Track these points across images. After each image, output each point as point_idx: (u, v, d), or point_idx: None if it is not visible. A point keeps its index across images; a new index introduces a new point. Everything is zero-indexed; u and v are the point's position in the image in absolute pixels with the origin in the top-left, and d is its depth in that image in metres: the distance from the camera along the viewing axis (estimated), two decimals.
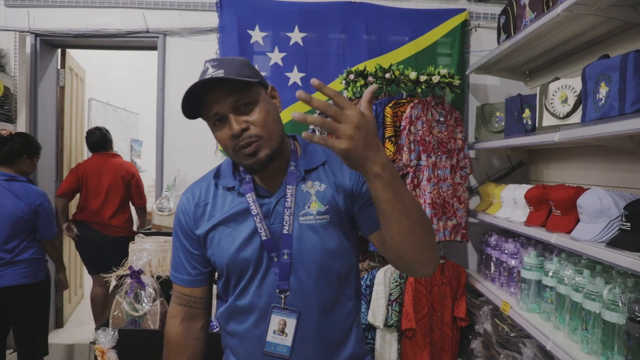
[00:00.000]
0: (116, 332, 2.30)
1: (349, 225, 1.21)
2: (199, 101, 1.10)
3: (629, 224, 1.53)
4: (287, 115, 3.22)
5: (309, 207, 1.16)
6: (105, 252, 3.47)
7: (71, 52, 3.92)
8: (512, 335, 2.35)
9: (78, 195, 3.69)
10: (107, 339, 2.27)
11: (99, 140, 3.74)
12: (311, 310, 1.16)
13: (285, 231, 1.14)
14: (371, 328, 2.77)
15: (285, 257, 1.14)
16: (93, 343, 2.32)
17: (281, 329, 1.15)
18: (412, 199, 0.96)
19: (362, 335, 1.31)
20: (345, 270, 1.20)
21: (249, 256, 1.15)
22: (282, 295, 1.15)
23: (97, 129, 3.80)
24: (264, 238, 1.14)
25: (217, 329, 2.49)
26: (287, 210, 1.15)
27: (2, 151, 2.79)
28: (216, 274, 1.28)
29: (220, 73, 1.06)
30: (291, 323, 1.15)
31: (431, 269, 1.06)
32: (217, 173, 1.25)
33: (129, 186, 3.73)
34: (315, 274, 1.15)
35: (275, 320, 1.15)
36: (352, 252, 1.23)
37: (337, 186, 1.19)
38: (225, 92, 1.07)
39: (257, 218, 1.15)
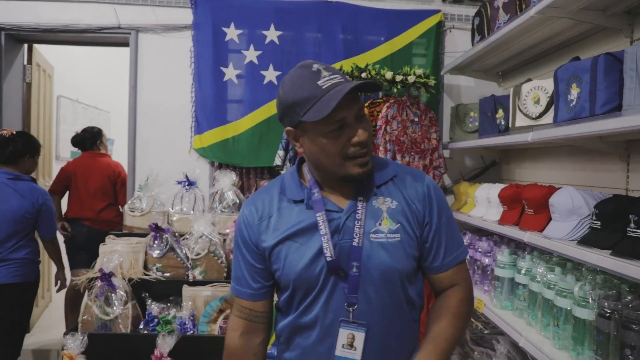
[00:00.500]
0: (85, 337, 2.23)
1: (417, 248, 1.18)
2: (324, 103, 1.04)
3: (599, 223, 1.57)
4: (262, 113, 3.20)
5: (380, 224, 1.14)
6: (98, 246, 3.46)
7: (39, 48, 3.79)
8: (485, 332, 2.39)
9: (68, 195, 3.77)
10: (75, 344, 2.20)
11: (79, 140, 3.84)
12: (378, 326, 1.14)
13: (355, 244, 1.12)
14: None
15: (355, 270, 1.12)
16: (63, 349, 2.25)
17: (350, 343, 1.13)
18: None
19: None
20: (413, 294, 1.19)
21: (317, 272, 1.13)
22: (351, 309, 1.12)
23: (85, 129, 3.90)
24: (328, 259, 1.11)
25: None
26: (358, 223, 1.13)
27: (6, 151, 2.82)
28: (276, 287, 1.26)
29: (346, 80, 1.08)
30: (360, 337, 1.12)
31: None
32: (282, 185, 1.22)
33: (115, 185, 3.73)
34: (383, 291, 1.13)
35: (343, 335, 1.13)
36: (419, 275, 1.22)
37: (407, 204, 1.18)
38: (352, 99, 1.07)
39: (324, 238, 1.12)
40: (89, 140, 3.85)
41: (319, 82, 1.06)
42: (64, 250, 3.50)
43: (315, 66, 1.09)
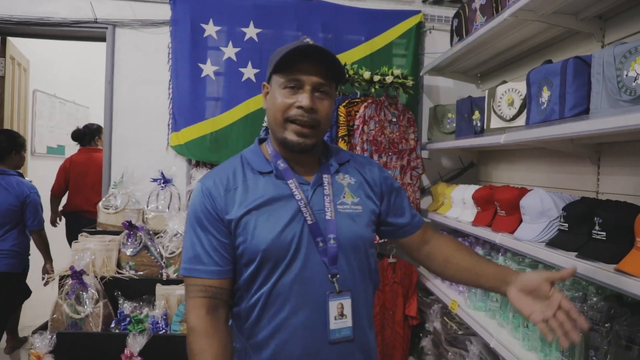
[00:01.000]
0: (54, 336, 2.19)
1: (374, 221, 1.29)
2: (287, 59, 1.14)
3: (567, 225, 1.58)
4: (240, 111, 3.17)
5: (344, 197, 1.23)
6: None
7: (14, 41, 3.71)
8: (459, 333, 2.40)
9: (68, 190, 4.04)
10: (43, 343, 2.16)
11: (78, 135, 4.10)
12: (357, 290, 1.20)
13: (328, 217, 1.18)
14: None
15: (332, 242, 1.16)
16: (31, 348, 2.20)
17: (340, 313, 1.16)
18: None
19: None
20: (373, 263, 1.28)
21: (289, 241, 1.14)
22: (334, 280, 1.16)
23: (85, 125, 4.19)
24: (309, 222, 1.15)
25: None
26: (327, 198, 1.20)
27: None
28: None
29: (322, 48, 1.14)
30: (347, 304, 1.17)
31: None
32: (243, 160, 1.25)
33: None
34: (353, 259, 1.20)
35: (334, 306, 1.15)
36: (374, 249, 1.31)
37: (365, 182, 1.30)
38: (318, 69, 1.15)
39: (301, 202, 1.17)
40: (88, 136, 4.09)
41: (298, 45, 1.14)
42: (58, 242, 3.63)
43: (307, 39, 1.19)
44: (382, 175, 1.34)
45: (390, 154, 2.80)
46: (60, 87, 5.13)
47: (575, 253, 1.46)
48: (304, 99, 1.13)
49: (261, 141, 1.31)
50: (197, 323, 1.15)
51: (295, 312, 1.14)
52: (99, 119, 3.99)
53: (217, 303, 1.18)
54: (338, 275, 1.16)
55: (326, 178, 1.23)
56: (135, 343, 2.18)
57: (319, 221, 1.17)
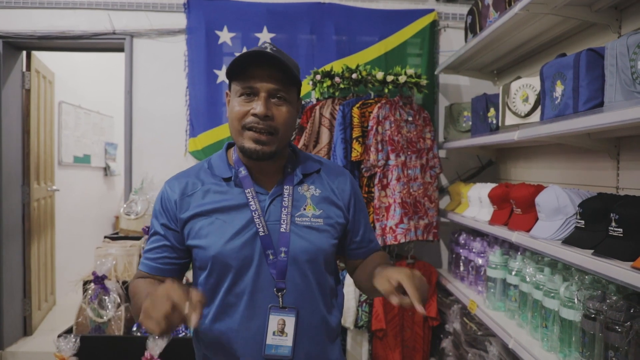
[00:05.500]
0: (78, 339, 2.25)
1: (339, 235, 1.24)
2: (241, 65, 1.12)
3: (583, 222, 1.54)
4: None
5: (304, 209, 1.19)
6: None
7: (39, 55, 3.83)
8: (479, 333, 2.36)
9: None
10: (68, 346, 2.22)
11: None
12: (306, 310, 1.16)
13: (282, 229, 1.15)
14: (342, 329, 2.76)
15: (283, 255, 1.14)
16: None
17: (280, 329, 1.13)
18: None
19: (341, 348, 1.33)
20: (333, 278, 1.23)
21: (238, 249, 1.13)
22: (280, 294, 1.13)
23: None
24: (262, 234, 1.13)
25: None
26: (285, 210, 1.17)
27: None
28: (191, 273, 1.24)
29: (271, 53, 1.10)
30: (290, 322, 1.13)
31: None
32: (208, 164, 1.24)
33: None
34: (309, 274, 1.16)
35: (274, 321, 1.13)
36: (336, 263, 1.26)
37: (332, 194, 1.24)
38: (272, 75, 1.12)
39: (255, 213, 1.15)
40: None
41: (253, 48, 1.13)
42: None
43: (266, 44, 1.15)
44: (353, 189, 1.29)
45: (409, 153, 2.77)
46: (84, 98, 5.27)
47: (592, 251, 1.42)
48: (258, 106, 1.11)
49: (230, 146, 1.29)
50: (134, 281, 1.20)
51: (244, 321, 1.14)
52: (123, 128, 4.09)
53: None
54: (284, 290, 1.14)
55: (287, 189, 1.19)
56: (156, 346, 2.23)
57: (272, 233, 1.15)
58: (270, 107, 1.12)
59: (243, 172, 1.19)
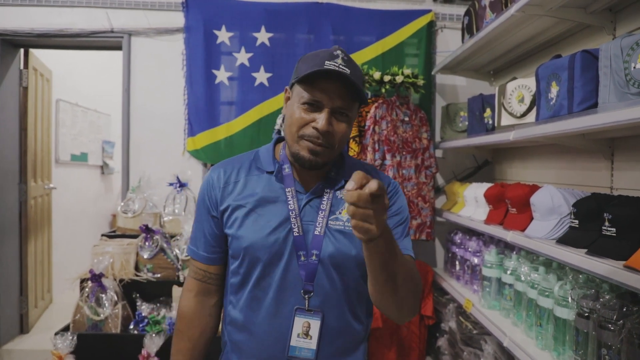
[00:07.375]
0: (75, 337, 2.25)
1: None
2: (314, 74, 1.09)
3: (577, 221, 1.56)
4: (254, 115, 3.21)
5: (340, 213, 1.19)
6: None
7: (37, 52, 3.83)
8: (474, 332, 2.38)
9: None
10: (65, 344, 2.23)
11: None
12: (331, 314, 1.15)
13: (317, 232, 1.15)
14: None
15: (314, 257, 1.14)
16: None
17: (305, 332, 1.14)
18: (400, 267, 1.01)
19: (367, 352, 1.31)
20: (362, 284, 1.20)
21: (270, 245, 1.14)
22: (307, 297, 1.14)
23: None
24: (296, 234, 1.14)
25: None
26: (322, 213, 1.17)
27: None
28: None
29: (347, 72, 1.08)
30: (315, 325, 1.14)
31: (404, 320, 1.13)
32: (255, 156, 1.26)
33: None
34: (337, 278, 1.16)
35: (299, 323, 1.13)
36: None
37: None
38: (341, 92, 1.10)
39: (292, 213, 1.16)
40: None
41: (327, 61, 1.09)
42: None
43: (338, 52, 1.12)
44: (397, 202, 1.24)
45: (404, 153, 2.79)
46: (82, 96, 5.26)
47: (585, 250, 1.43)
48: (321, 120, 1.09)
49: (280, 140, 1.30)
50: (183, 304, 1.27)
51: (269, 317, 1.15)
52: (120, 126, 4.09)
53: (208, 287, 1.26)
54: (312, 293, 1.14)
55: (327, 193, 1.19)
56: (152, 344, 2.24)
57: (306, 234, 1.15)
58: (332, 122, 1.11)
59: (287, 169, 1.20)
